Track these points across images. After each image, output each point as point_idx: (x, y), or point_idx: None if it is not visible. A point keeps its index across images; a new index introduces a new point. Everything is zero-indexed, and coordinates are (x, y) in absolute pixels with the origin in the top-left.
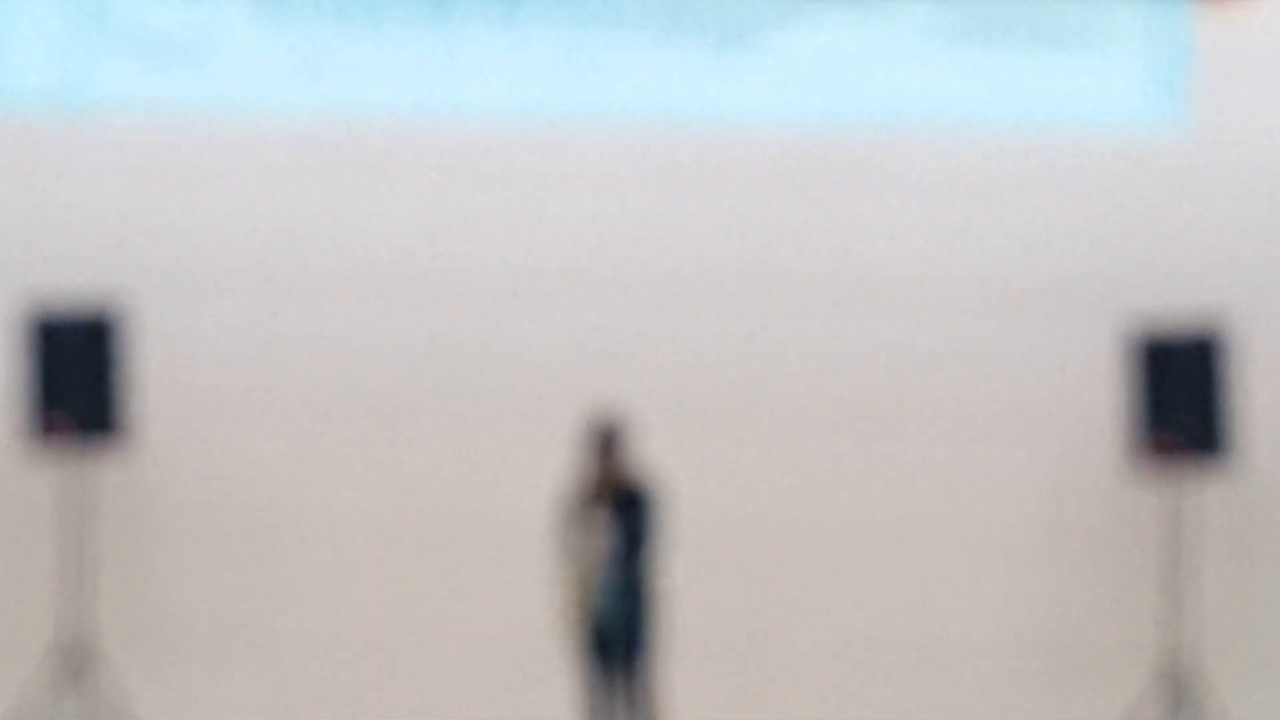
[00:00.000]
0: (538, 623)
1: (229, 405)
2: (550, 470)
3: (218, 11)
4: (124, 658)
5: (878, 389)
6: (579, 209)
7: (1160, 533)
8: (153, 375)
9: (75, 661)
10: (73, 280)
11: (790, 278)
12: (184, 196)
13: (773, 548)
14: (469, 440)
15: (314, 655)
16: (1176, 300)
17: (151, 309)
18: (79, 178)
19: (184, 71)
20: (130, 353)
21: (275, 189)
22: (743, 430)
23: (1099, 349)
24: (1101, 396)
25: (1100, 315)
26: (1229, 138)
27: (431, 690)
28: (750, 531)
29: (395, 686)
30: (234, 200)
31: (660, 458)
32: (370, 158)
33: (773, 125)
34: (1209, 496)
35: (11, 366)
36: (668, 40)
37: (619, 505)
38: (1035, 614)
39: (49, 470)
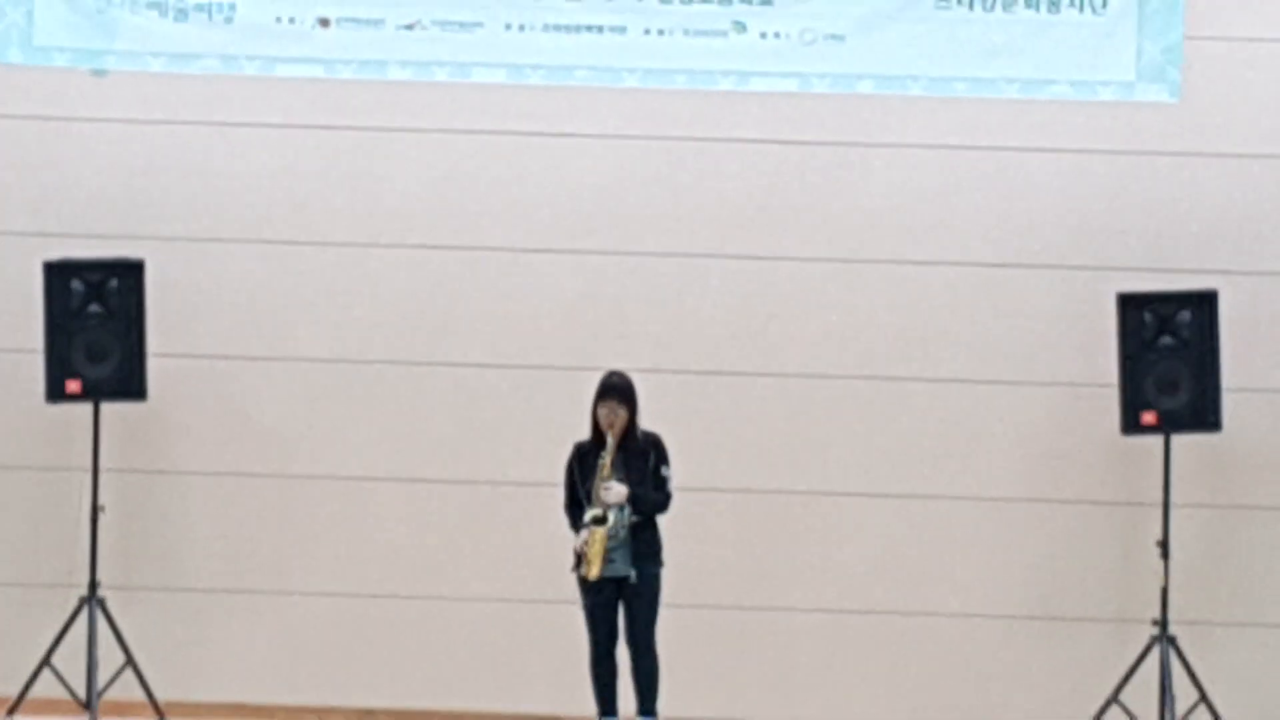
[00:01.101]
0: (544, 577)
1: (241, 356)
2: (559, 425)
3: None
4: (131, 606)
5: (874, 351)
6: (585, 167)
7: (1154, 492)
8: (167, 326)
9: (82, 609)
10: (90, 232)
11: (786, 237)
12: (200, 150)
13: (770, 508)
14: (477, 393)
15: (319, 608)
16: (1171, 263)
17: (168, 260)
18: (96, 130)
19: (200, 24)
20: (145, 304)
21: (289, 143)
22: (740, 389)
23: (1094, 311)
24: (1096, 358)
25: (1095, 277)
26: (1223, 102)
27: (437, 643)
28: (749, 491)
29: (401, 639)
30: (248, 154)
31: (662, 414)
32: (385, 113)
33: (773, 84)
34: (1201, 457)
35: (29, 316)
36: None
37: (629, 459)
38: (1031, 577)
39: (62, 415)
